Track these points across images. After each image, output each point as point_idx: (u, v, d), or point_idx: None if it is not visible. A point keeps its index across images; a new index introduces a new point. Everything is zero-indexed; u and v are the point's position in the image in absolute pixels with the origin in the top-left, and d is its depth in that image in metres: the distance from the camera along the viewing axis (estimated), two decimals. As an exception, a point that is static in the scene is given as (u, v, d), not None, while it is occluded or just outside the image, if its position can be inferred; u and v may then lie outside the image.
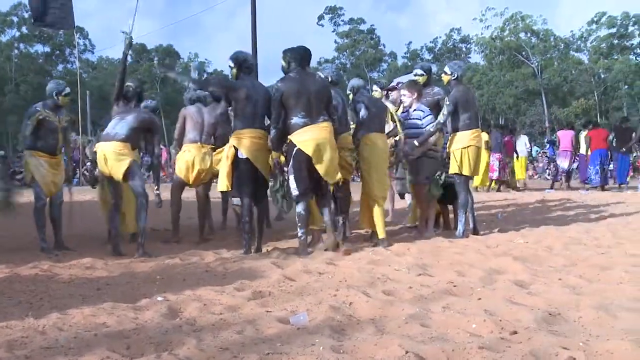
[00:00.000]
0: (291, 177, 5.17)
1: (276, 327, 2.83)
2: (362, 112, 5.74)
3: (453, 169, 6.02)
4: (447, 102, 6.00)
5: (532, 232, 6.37)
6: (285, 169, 5.34)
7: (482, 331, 2.74)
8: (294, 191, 5.16)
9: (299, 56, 5.30)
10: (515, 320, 2.87)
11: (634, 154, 13.83)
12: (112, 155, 5.28)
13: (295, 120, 5.15)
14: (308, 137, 5.12)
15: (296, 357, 2.43)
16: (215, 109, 6.35)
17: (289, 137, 5.21)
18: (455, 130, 6.04)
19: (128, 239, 6.18)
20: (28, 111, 5.75)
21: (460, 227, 6.02)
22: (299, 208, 5.18)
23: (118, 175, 5.31)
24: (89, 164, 18.18)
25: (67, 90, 5.90)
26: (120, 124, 5.40)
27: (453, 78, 6.14)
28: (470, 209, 6.19)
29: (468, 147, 5.98)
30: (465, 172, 6.01)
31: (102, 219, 6.31)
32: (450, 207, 6.89)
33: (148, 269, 4.62)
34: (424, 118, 6.31)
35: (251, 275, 4.23)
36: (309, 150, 5.10)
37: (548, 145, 21.01)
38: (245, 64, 5.40)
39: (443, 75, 6.27)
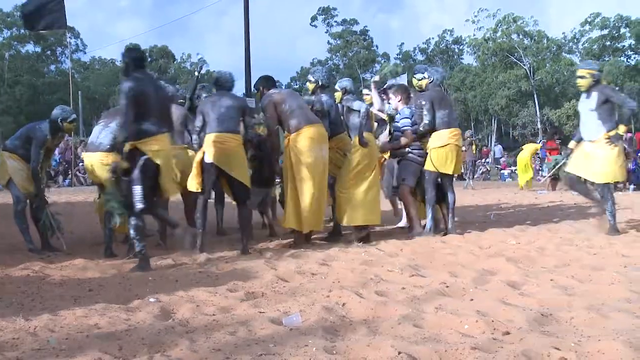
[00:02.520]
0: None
1: (269, 328, 2.83)
2: (362, 115, 5.82)
3: (427, 165, 6.12)
4: (424, 102, 6.12)
5: (524, 233, 6.39)
6: None
7: (474, 332, 2.74)
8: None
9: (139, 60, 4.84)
10: (508, 320, 2.87)
11: None
12: (98, 165, 5.30)
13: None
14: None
15: (289, 358, 2.43)
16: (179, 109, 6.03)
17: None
18: (433, 129, 6.13)
19: (121, 240, 6.15)
20: (37, 137, 5.64)
21: (428, 224, 6.13)
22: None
23: (107, 183, 5.31)
24: (81, 164, 18.12)
25: (73, 116, 5.86)
26: (104, 132, 5.37)
27: (430, 82, 6.28)
28: (451, 209, 6.25)
29: (446, 145, 6.07)
30: (448, 170, 6.13)
31: (95, 220, 6.26)
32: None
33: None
34: (400, 120, 6.36)
35: (244, 276, 4.22)
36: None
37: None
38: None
39: (422, 80, 6.43)
